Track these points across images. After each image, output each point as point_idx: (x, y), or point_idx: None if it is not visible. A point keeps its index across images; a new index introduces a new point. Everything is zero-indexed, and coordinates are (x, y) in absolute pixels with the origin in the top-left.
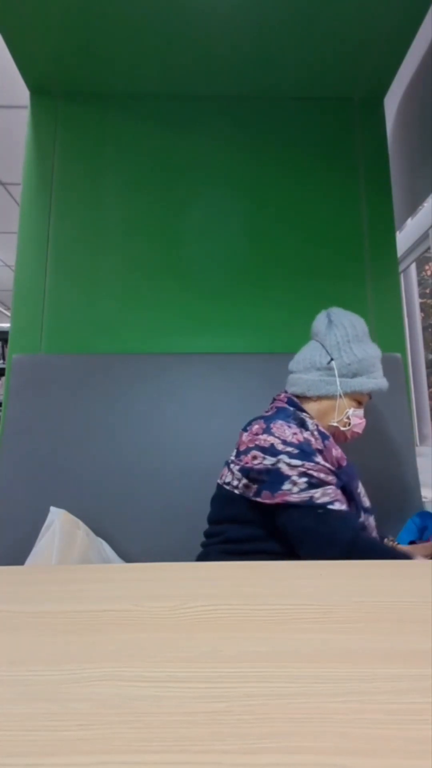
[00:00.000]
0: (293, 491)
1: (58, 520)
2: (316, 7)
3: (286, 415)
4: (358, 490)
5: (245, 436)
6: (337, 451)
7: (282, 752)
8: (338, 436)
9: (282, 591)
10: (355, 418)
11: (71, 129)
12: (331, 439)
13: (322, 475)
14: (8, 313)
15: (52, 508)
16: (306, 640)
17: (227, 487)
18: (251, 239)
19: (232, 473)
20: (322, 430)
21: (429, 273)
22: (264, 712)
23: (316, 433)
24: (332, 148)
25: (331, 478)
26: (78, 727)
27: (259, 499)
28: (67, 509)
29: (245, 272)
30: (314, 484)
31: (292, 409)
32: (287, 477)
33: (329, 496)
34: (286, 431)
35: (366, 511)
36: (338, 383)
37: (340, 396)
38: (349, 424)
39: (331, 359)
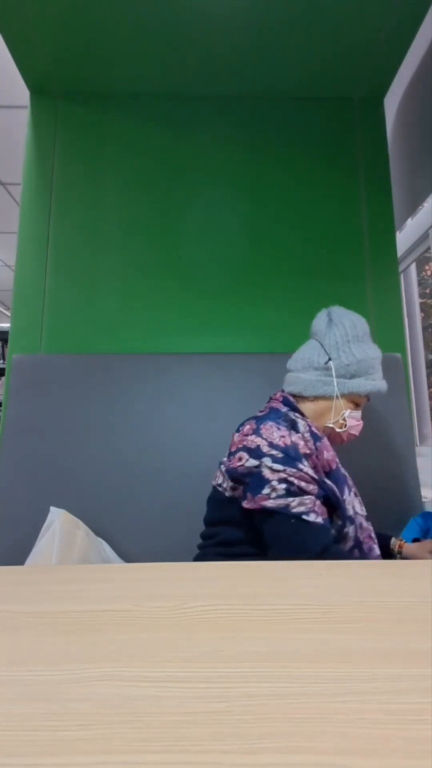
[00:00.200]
0: (271, 496)
1: (58, 520)
2: (316, 7)
3: (278, 417)
4: (345, 497)
5: (237, 437)
6: (329, 454)
7: (282, 752)
8: (334, 437)
9: (282, 591)
10: (352, 420)
11: (71, 129)
12: (325, 440)
13: (302, 484)
14: (8, 313)
15: (52, 508)
16: (306, 640)
17: (219, 489)
18: (251, 239)
19: (223, 475)
20: (315, 431)
21: (429, 273)
22: (264, 712)
23: (307, 434)
24: (332, 148)
25: (312, 487)
26: (78, 727)
27: (244, 504)
28: (67, 509)
29: (245, 272)
30: (293, 492)
31: (285, 409)
32: (267, 481)
33: (305, 506)
34: (274, 433)
35: (351, 520)
36: (335, 384)
37: (337, 397)
38: (345, 425)
39: (329, 359)
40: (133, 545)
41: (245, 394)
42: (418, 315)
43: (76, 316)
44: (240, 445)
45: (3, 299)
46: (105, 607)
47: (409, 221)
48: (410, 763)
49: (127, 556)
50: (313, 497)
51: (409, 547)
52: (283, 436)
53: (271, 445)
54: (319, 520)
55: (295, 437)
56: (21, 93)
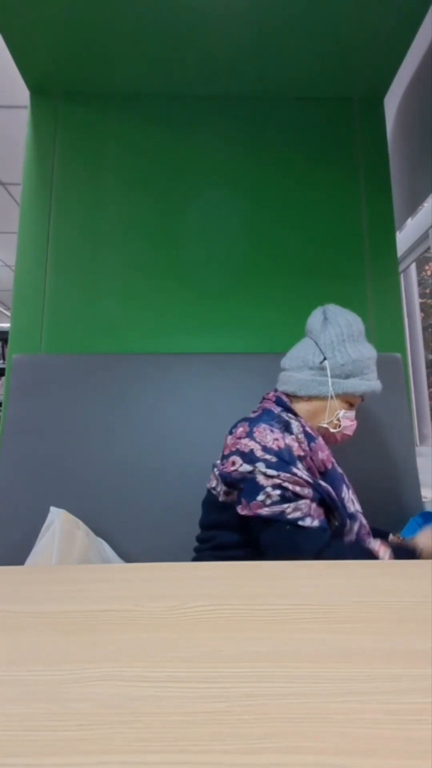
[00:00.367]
0: (266, 503)
1: (58, 520)
2: (316, 7)
3: (271, 418)
4: (343, 495)
5: (229, 440)
6: (323, 453)
7: (282, 752)
8: (328, 437)
9: (282, 591)
10: (346, 420)
11: (71, 129)
12: (320, 440)
13: (297, 488)
14: (8, 313)
15: (52, 508)
16: (306, 640)
17: (213, 493)
18: (251, 239)
19: (217, 479)
20: (310, 431)
21: (429, 273)
22: (264, 712)
23: (301, 435)
24: (332, 148)
25: (306, 491)
26: (78, 727)
27: (239, 510)
28: (67, 509)
29: (245, 272)
30: (287, 497)
31: (278, 410)
32: (262, 487)
33: (300, 512)
34: (267, 436)
35: (353, 517)
36: (330, 384)
37: (332, 397)
38: (340, 426)
39: (324, 358)
40: (133, 545)
41: (245, 394)
42: (418, 315)
43: (76, 316)
44: (233, 449)
45: (3, 299)
46: (105, 607)
47: (409, 221)
48: (410, 763)
49: (127, 556)
50: (308, 501)
51: (420, 538)
52: (276, 439)
53: (265, 449)
54: (315, 523)
55: (288, 439)
56: (21, 93)
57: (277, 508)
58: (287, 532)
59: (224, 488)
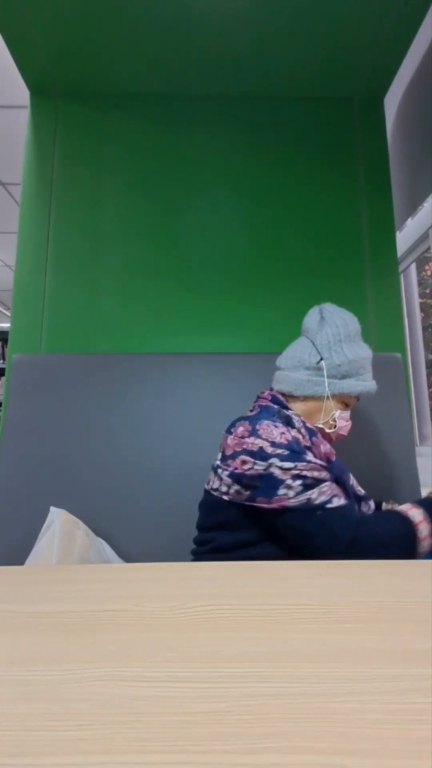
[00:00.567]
0: (290, 495)
1: (58, 520)
2: (316, 7)
3: (271, 414)
4: (351, 483)
5: (230, 440)
6: (325, 447)
7: (282, 752)
8: (323, 437)
9: (282, 591)
10: (342, 421)
11: (71, 129)
12: (320, 435)
13: (315, 474)
14: (8, 313)
15: (52, 508)
16: (306, 640)
17: (215, 494)
18: (251, 239)
19: (220, 479)
20: (310, 426)
21: (429, 273)
22: (264, 712)
23: (303, 430)
24: (332, 148)
25: (324, 474)
26: (78, 727)
27: (255, 504)
28: (67, 509)
29: (245, 272)
30: (309, 485)
31: (276, 407)
32: (281, 481)
33: (326, 495)
34: (273, 432)
35: (361, 499)
36: (326, 384)
37: (328, 397)
38: (335, 426)
39: (321, 359)
40: (133, 545)
41: (245, 394)
42: (418, 315)
43: (76, 316)
44: (238, 449)
45: (3, 299)
46: (105, 607)
47: (409, 221)
48: (410, 763)
49: (127, 556)
50: (329, 483)
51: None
52: (282, 433)
53: (274, 444)
54: (342, 501)
55: (293, 432)
56: (21, 93)
57: (302, 497)
58: (318, 517)
59: (237, 488)
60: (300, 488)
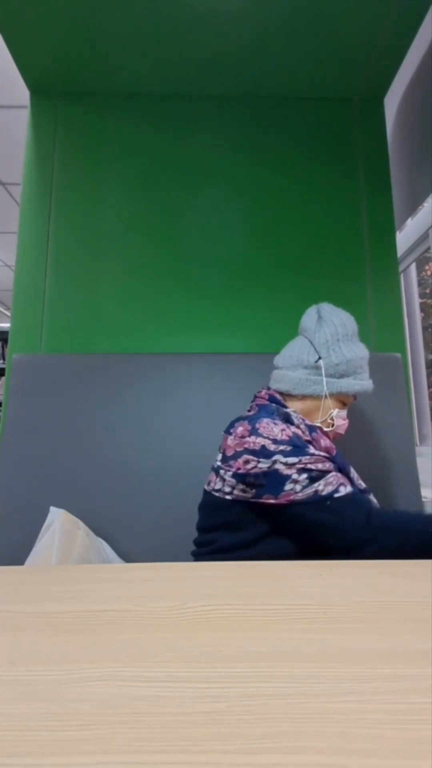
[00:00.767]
0: (297, 490)
1: (58, 520)
2: (317, 7)
3: (270, 412)
4: (352, 475)
5: (231, 440)
6: (325, 442)
7: (282, 752)
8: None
9: (282, 591)
10: (339, 420)
11: (71, 129)
12: (319, 431)
13: (320, 465)
14: (8, 313)
15: (52, 508)
16: (306, 640)
17: (217, 494)
18: (251, 239)
19: (223, 480)
20: (309, 423)
21: (429, 273)
22: (264, 712)
23: (302, 426)
24: (332, 148)
25: (328, 464)
26: (78, 727)
27: (261, 501)
28: (67, 509)
29: (245, 272)
30: (315, 477)
31: (274, 405)
32: (287, 477)
33: (332, 485)
34: (273, 429)
35: (363, 493)
36: (325, 383)
37: (326, 396)
38: (333, 425)
39: (319, 358)
40: (133, 545)
41: (245, 394)
42: (418, 315)
43: (76, 316)
44: (239, 448)
45: (3, 299)
46: (105, 607)
47: (409, 221)
48: (410, 763)
49: (127, 556)
50: (334, 473)
51: None
52: (283, 430)
53: (276, 441)
54: (349, 488)
55: (293, 428)
56: (21, 93)
57: (309, 490)
58: (328, 507)
59: (242, 487)
60: (306, 481)
